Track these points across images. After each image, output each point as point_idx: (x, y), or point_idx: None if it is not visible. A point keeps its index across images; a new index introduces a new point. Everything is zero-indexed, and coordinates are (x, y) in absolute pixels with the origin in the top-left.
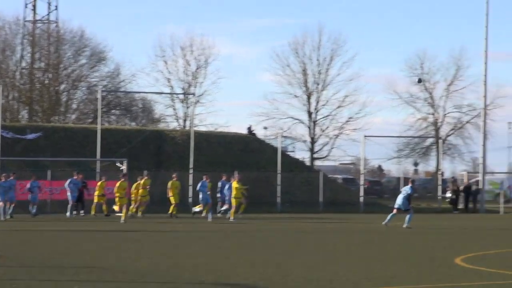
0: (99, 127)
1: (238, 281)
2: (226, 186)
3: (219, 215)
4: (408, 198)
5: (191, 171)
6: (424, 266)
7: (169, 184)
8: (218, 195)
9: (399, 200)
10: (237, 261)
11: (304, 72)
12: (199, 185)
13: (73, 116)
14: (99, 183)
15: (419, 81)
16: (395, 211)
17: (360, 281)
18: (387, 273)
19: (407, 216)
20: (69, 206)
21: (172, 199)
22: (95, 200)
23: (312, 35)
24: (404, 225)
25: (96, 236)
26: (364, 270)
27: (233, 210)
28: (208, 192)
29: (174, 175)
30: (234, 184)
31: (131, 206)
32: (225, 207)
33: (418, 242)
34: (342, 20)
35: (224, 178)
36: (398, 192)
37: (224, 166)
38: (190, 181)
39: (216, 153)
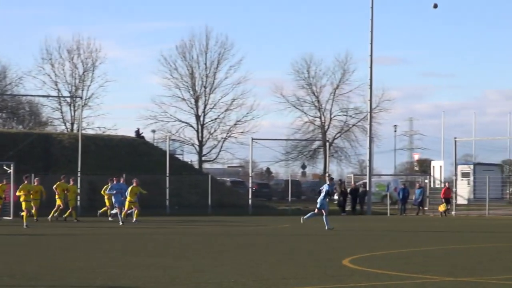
0: None
1: (126, 284)
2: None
3: (110, 218)
4: (325, 196)
5: (79, 174)
6: (313, 267)
7: (56, 185)
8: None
9: (319, 200)
10: (125, 264)
11: (192, 75)
12: (109, 188)
13: None
14: None
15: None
16: (316, 211)
17: (248, 283)
18: (275, 275)
19: (324, 218)
20: None
21: (59, 201)
22: None
23: (199, 39)
24: (326, 227)
25: None
26: (253, 272)
27: (124, 212)
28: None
29: (62, 177)
30: (134, 189)
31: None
32: (115, 210)
33: (307, 244)
34: (229, 24)
35: (122, 181)
36: (286, 194)
37: (112, 169)
38: (79, 185)
39: (104, 156)
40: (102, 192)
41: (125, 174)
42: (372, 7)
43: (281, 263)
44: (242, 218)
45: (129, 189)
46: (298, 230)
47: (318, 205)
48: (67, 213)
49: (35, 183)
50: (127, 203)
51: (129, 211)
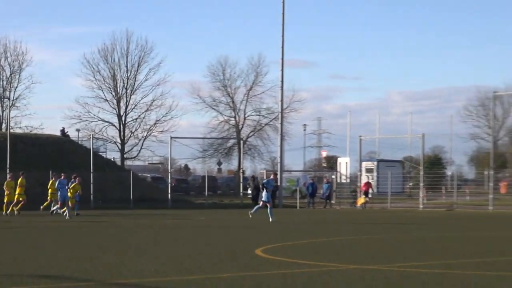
0: None
1: (54, 273)
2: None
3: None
4: (268, 191)
5: (8, 170)
6: (227, 257)
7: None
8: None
9: (264, 194)
10: (53, 256)
11: (114, 77)
12: (56, 183)
13: None
14: None
15: None
16: (261, 203)
17: (168, 271)
18: (192, 264)
19: (268, 210)
20: None
21: (17, 197)
22: None
23: (121, 43)
24: (270, 220)
25: None
26: (173, 261)
27: (71, 207)
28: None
29: (9, 175)
30: (76, 186)
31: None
32: (57, 206)
33: (221, 235)
34: (150, 28)
35: (63, 177)
36: (203, 189)
37: (39, 167)
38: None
39: (31, 154)
40: (48, 186)
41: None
42: (283, 13)
43: (198, 253)
44: (162, 211)
45: (72, 185)
46: (214, 222)
47: (264, 199)
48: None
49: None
50: (18, 196)
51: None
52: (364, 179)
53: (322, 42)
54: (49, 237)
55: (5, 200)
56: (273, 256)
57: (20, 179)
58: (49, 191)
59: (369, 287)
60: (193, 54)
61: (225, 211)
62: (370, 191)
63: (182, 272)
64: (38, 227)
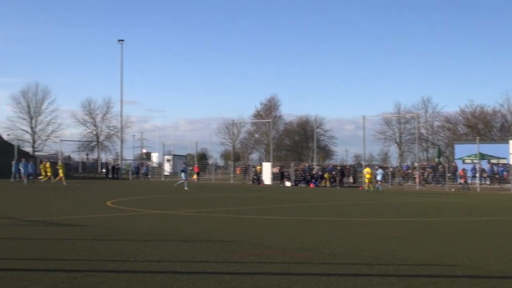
0: None
1: None
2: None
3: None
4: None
5: None
6: (87, 207)
7: None
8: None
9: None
10: None
11: (28, 106)
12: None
13: None
14: None
15: None
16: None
17: (33, 213)
18: (65, 211)
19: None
20: None
21: None
22: None
23: (32, 88)
24: (175, 184)
25: None
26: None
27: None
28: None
29: None
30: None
31: None
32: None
33: (87, 194)
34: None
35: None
36: (78, 169)
37: None
38: None
39: None
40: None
41: None
42: (121, 61)
43: (67, 204)
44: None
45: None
46: (86, 187)
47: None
48: None
49: None
50: None
51: None
52: (167, 167)
53: (142, 87)
54: None
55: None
56: (118, 206)
57: None
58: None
59: (164, 223)
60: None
61: (92, 181)
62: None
63: (51, 215)
64: None
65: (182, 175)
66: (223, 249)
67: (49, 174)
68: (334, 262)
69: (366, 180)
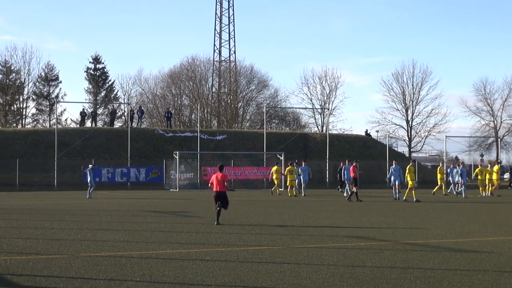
0: (264, 131)
1: None
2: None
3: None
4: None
5: (327, 160)
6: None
7: (274, 169)
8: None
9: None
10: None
11: (403, 93)
12: (300, 169)
13: (247, 124)
14: (274, 168)
15: None
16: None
17: None
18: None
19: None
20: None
21: (276, 181)
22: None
23: (408, 68)
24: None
25: None
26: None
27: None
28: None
29: (276, 163)
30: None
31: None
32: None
33: None
34: (430, 58)
35: (347, 163)
36: None
37: (348, 157)
38: (327, 166)
39: (343, 149)
40: (286, 172)
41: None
42: None
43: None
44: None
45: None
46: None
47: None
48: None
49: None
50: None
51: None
52: None
53: None
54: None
55: (288, 184)
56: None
57: (275, 167)
58: (274, 176)
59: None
60: (461, 75)
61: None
62: None
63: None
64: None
65: None
66: None
67: (276, 182)
68: None
69: None
